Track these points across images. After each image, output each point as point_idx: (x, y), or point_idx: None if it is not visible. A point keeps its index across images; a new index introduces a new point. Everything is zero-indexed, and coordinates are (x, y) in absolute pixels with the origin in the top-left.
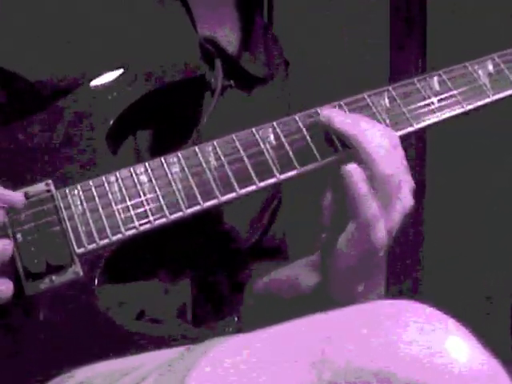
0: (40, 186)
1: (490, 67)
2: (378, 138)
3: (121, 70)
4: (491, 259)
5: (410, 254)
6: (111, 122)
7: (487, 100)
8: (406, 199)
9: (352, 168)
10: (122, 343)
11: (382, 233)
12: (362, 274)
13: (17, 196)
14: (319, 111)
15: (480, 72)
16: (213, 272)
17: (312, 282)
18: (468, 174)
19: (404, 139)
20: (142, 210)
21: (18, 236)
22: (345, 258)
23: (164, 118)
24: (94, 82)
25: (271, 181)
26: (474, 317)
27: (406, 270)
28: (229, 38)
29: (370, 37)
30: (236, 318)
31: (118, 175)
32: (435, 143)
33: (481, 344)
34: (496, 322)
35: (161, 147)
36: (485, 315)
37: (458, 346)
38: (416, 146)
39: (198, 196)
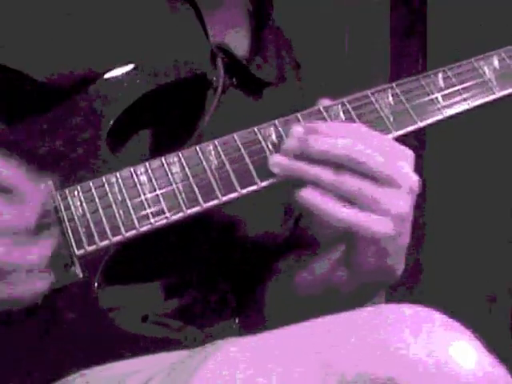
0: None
1: (496, 63)
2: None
3: (122, 69)
4: (492, 258)
5: (410, 252)
6: (112, 121)
7: (493, 96)
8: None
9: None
10: (124, 346)
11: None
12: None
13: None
14: (322, 109)
15: (485, 68)
16: (216, 275)
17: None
18: (469, 172)
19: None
20: (142, 211)
21: None
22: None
23: (166, 116)
24: (96, 82)
25: (273, 180)
26: (474, 316)
27: (405, 269)
28: (239, 41)
29: (370, 36)
30: (237, 321)
31: (118, 176)
32: (434, 143)
33: (486, 348)
34: (496, 320)
35: (163, 146)
36: (485, 314)
37: (465, 352)
38: (414, 147)
39: (199, 196)
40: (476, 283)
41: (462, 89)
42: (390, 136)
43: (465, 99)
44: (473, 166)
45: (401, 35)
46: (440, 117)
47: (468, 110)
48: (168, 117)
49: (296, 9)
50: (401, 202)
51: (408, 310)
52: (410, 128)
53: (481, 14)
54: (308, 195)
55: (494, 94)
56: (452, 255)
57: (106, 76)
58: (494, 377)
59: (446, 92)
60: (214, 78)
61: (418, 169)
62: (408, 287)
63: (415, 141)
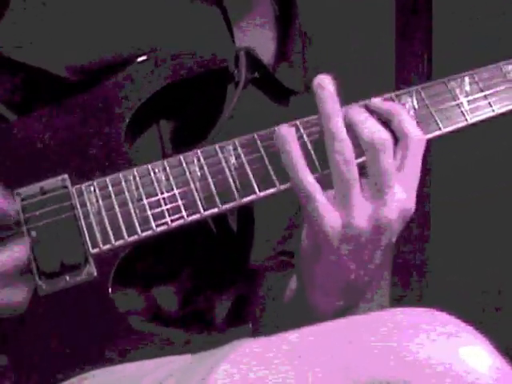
0: (56, 181)
1: None
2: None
3: (144, 59)
4: (497, 257)
5: (416, 249)
6: (131, 113)
7: None
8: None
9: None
10: (138, 347)
11: (330, 218)
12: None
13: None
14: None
15: None
16: (230, 278)
17: (293, 287)
18: (476, 170)
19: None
20: (158, 210)
21: (33, 233)
22: (304, 255)
23: (187, 108)
24: (117, 74)
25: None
26: (479, 314)
27: (412, 266)
28: (265, 47)
29: (375, 31)
30: (250, 325)
31: (135, 173)
32: (439, 141)
33: (499, 352)
34: (504, 324)
35: (183, 138)
36: (492, 312)
37: (477, 355)
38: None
39: (216, 197)
40: (483, 285)
41: (489, 94)
42: None
43: (490, 105)
44: (479, 167)
45: (405, 29)
46: (465, 123)
47: (493, 117)
48: (188, 110)
49: (310, 11)
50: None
51: (423, 313)
52: (434, 134)
53: (486, 8)
54: (287, 133)
55: None
56: (459, 257)
57: (127, 68)
58: (507, 381)
59: (472, 97)
60: (236, 72)
61: (424, 167)
62: (414, 290)
63: None
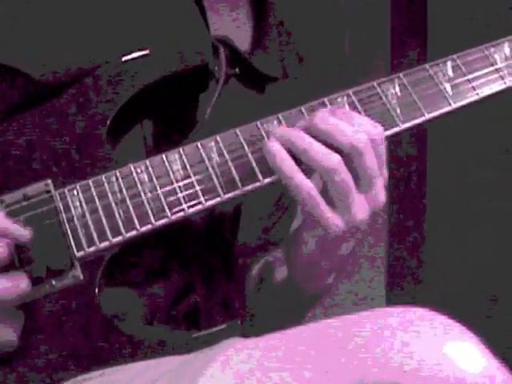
0: (39, 187)
1: (507, 50)
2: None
3: (126, 59)
4: (495, 259)
5: (412, 253)
6: (113, 114)
7: (504, 86)
8: (378, 195)
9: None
10: (127, 349)
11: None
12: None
13: (22, 231)
14: (326, 101)
15: (496, 56)
16: (219, 276)
17: (282, 276)
18: (472, 171)
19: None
20: (142, 210)
21: None
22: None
23: (167, 107)
24: (95, 74)
25: (275, 177)
26: (476, 318)
27: (407, 270)
28: (241, 34)
29: (370, 32)
30: (239, 322)
31: (118, 174)
32: (436, 141)
33: (490, 351)
34: (499, 323)
35: (165, 136)
36: (487, 316)
37: (470, 356)
38: (417, 144)
39: (200, 195)
40: (478, 284)
41: (472, 78)
42: (397, 129)
43: (474, 89)
44: (475, 167)
45: (401, 30)
46: (449, 108)
47: (478, 101)
48: (169, 108)
49: (296, 5)
50: (365, 211)
51: (412, 313)
52: (418, 120)
53: (481, 10)
54: (274, 147)
55: (505, 83)
56: (454, 256)
57: (106, 69)
58: (499, 381)
59: (455, 81)
60: (216, 68)
61: (421, 165)
62: (409, 289)
63: (416, 137)
